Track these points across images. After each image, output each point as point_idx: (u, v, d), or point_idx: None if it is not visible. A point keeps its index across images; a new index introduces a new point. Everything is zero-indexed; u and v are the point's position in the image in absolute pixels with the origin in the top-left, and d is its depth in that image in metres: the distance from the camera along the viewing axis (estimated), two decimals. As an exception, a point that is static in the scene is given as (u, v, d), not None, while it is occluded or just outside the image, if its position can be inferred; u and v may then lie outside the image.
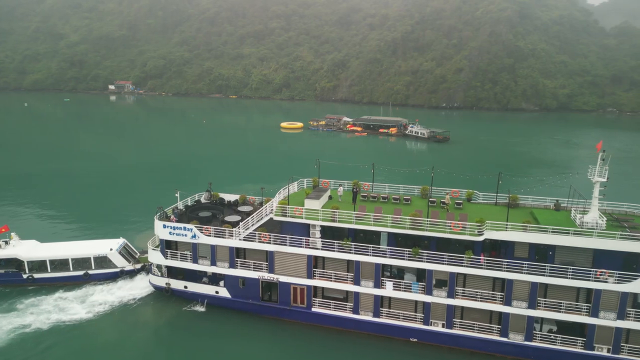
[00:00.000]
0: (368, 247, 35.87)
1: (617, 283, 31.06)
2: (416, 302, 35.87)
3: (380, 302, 36.48)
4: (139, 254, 48.78)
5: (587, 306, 32.07)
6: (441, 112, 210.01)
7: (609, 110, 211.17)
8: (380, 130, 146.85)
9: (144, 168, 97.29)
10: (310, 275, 37.39)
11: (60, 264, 45.06)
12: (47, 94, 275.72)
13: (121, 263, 45.80)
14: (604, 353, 32.03)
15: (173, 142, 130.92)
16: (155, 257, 41.65)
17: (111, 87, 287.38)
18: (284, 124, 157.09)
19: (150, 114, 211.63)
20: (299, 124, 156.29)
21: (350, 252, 36.22)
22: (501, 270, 32.99)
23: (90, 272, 45.00)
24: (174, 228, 39.81)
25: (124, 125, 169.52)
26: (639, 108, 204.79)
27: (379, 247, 36.03)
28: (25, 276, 44.58)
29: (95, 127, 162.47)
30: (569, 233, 31.98)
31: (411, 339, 36.09)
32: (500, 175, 39.93)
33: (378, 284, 36.05)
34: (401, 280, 36.09)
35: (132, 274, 46.06)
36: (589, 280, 31.50)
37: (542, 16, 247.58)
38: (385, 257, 35.56)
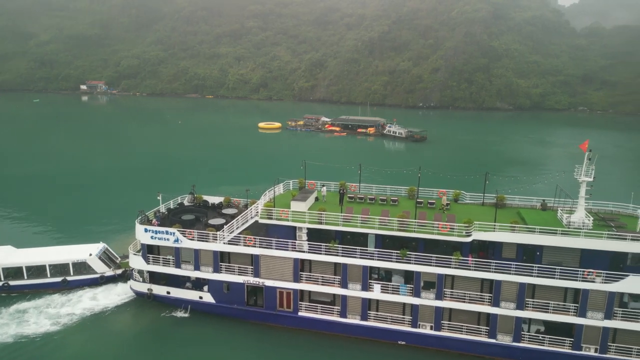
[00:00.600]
0: (355, 249, 35.38)
1: (605, 283, 31.17)
2: (404, 304, 35.55)
3: (368, 305, 36.06)
4: (120, 259, 47.39)
5: (574, 306, 32.18)
6: (418, 111, 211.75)
7: (580, 109, 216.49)
8: (359, 130, 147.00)
9: (123, 170, 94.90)
10: (296, 279, 36.88)
11: (37, 270, 43.47)
12: (15, 94, 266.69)
13: (101, 269, 44.51)
14: (592, 353, 32.18)
15: (150, 144, 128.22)
16: (136, 262, 40.59)
17: (83, 87, 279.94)
18: (261, 124, 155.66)
19: (125, 114, 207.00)
20: (277, 124, 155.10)
21: (337, 255, 35.69)
22: (489, 272, 32.88)
23: (69, 278, 43.60)
24: (156, 232, 38.84)
25: (97, 126, 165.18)
26: (609, 107, 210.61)
27: (367, 249, 35.58)
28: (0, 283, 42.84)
29: (67, 128, 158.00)
30: (556, 233, 32.02)
31: (399, 342, 35.80)
32: (487, 175, 39.89)
33: (366, 287, 35.63)
34: (389, 283, 35.71)
35: (112, 279, 44.81)
36: (576, 280, 31.58)
37: (516, 17, 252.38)
38: (372, 259, 35.13)
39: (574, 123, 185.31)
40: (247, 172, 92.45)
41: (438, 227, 33.93)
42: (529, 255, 33.46)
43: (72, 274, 43.82)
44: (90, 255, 44.47)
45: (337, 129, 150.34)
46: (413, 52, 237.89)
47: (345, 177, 50.27)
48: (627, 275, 30.77)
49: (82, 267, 43.99)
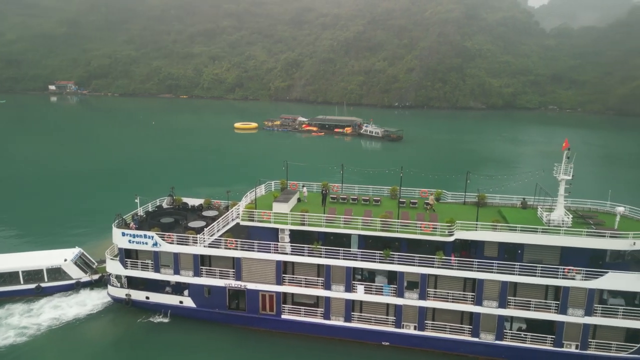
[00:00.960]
0: (339, 250, 35.12)
1: (584, 280, 31.65)
2: (388, 305, 35.49)
3: (351, 307, 35.88)
4: (96, 264, 45.94)
5: (555, 304, 32.59)
6: (394, 111, 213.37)
7: (550, 108, 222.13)
8: (336, 130, 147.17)
9: (98, 172, 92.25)
10: (279, 282, 36.44)
11: (9, 277, 41.83)
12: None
13: (77, 274, 43.14)
14: (572, 350, 32.70)
15: (125, 145, 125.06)
16: (113, 267, 39.46)
17: (52, 87, 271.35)
18: (237, 125, 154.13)
19: (96, 115, 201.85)
20: (254, 124, 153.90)
21: (320, 256, 35.36)
22: (472, 271, 33.09)
23: (43, 285, 42.10)
24: (134, 236, 37.89)
25: (68, 127, 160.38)
26: (578, 106, 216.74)
27: (350, 250, 35.37)
28: None
29: (36, 129, 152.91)
30: (537, 231, 32.37)
31: (383, 343, 35.75)
32: (468, 174, 40.20)
33: (349, 288, 35.43)
34: (372, 284, 35.58)
35: (89, 285, 43.49)
36: (557, 277, 31.97)
37: (487, 17, 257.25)
38: (356, 260, 34.92)
39: (544, 122, 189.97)
40: (223, 173, 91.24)
41: (421, 227, 33.93)
42: (510, 253, 33.78)
43: (46, 280, 42.35)
44: (65, 260, 43.07)
45: (315, 128, 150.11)
46: (388, 52, 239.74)
47: (326, 177, 50.08)
48: (606, 272, 31.29)
49: (56, 273, 42.56)
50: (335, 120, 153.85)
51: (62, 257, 43.51)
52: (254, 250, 36.16)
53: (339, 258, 35.08)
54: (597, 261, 32.67)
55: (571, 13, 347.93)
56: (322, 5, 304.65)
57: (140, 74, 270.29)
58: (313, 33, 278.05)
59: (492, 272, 32.76)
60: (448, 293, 34.26)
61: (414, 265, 33.86)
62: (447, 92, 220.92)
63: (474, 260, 33.26)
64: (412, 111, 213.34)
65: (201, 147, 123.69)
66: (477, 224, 33.44)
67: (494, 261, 32.89)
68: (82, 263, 44.58)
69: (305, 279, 36.39)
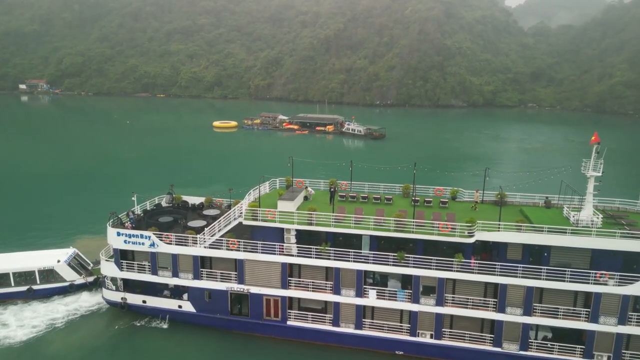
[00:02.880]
0: (349, 252, 32.58)
1: (618, 285, 29.29)
2: (402, 311, 33.11)
3: (362, 313, 33.46)
4: (92, 265, 43.79)
5: (586, 311, 30.20)
6: (375, 109, 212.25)
7: (529, 105, 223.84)
8: (317, 128, 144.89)
9: (94, 171, 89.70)
10: (284, 285, 34.27)
11: None
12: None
13: (71, 276, 41.27)
14: None
15: (103, 144, 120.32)
16: (108, 268, 37.33)
17: (22, 86, 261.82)
18: (216, 123, 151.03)
19: (70, 115, 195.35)
20: (233, 123, 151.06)
21: (329, 259, 32.94)
22: (494, 275, 30.58)
23: (35, 287, 40.29)
24: (130, 236, 35.79)
25: (42, 127, 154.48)
26: (557, 103, 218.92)
27: (361, 252, 32.80)
28: None
29: (10, 129, 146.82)
30: (566, 232, 29.93)
31: (397, 352, 33.38)
32: (486, 170, 37.65)
33: (360, 293, 33.00)
34: (385, 288, 33.04)
35: (83, 288, 41.60)
36: (588, 283, 29.57)
37: (467, 16, 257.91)
38: (367, 262, 32.39)
39: (524, 119, 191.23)
40: (199, 173, 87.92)
41: (438, 227, 31.44)
42: (535, 256, 31.28)
43: (38, 282, 40.57)
44: (59, 261, 41.18)
45: (296, 127, 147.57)
46: (369, 50, 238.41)
47: (329, 175, 47.37)
48: None
49: (49, 274, 40.84)
50: (316, 118, 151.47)
51: (55, 258, 41.58)
52: (257, 252, 34.14)
53: (349, 260, 32.76)
54: (632, 265, 30.06)
55: (547, 12, 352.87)
56: (302, 2, 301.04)
57: (115, 73, 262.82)
58: (293, 31, 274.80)
59: (516, 276, 30.28)
60: (468, 299, 31.84)
61: (430, 268, 31.43)
62: (428, 90, 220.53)
63: (497, 263, 30.77)
64: (394, 109, 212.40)
65: (178, 146, 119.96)
66: (499, 224, 30.89)
67: (519, 265, 30.43)
68: (76, 264, 42.71)
69: (313, 282, 34.19)
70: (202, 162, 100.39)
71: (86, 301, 39.92)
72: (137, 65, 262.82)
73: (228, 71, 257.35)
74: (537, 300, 30.92)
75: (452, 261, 31.24)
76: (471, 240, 30.90)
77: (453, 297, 32.02)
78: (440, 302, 31.82)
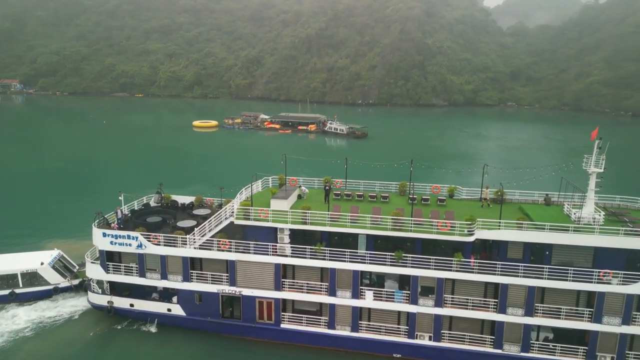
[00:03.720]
0: (344, 252, 31.45)
1: (622, 284, 28.49)
2: (399, 312, 32.09)
3: (359, 315, 32.34)
4: (77, 268, 42.06)
5: (589, 311, 29.45)
6: (357, 109, 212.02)
7: (509, 104, 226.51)
8: (299, 127, 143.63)
9: (74, 171, 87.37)
10: (278, 287, 33.03)
11: None
12: None
13: (55, 279, 39.69)
14: None
15: (89, 145, 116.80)
16: (94, 271, 35.72)
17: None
18: (196, 123, 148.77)
19: (44, 115, 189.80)
20: (213, 123, 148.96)
21: (324, 259, 31.81)
22: (495, 274, 29.69)
23: (17, 290, 38.80)
24: (116, 237, 34.42)
25: (14, 128, 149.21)
26: (535, 102, 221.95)
27: (357, 252, 31.73)
28: None
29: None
30: (568, 230, 29.14)
31: (395, 355, 32.32)
32: (485, 167, 36.79)
33: (356, 294, 31.87)
34: (382, 289, 31.92)
35: (68, 291, 40.07)
36: (591, 282, 28.81)
37: (447, 15, 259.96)
38: (364, 262, 31.30)
39: (504, 118, 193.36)
40: (181, 173, 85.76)
41: (437, 225, 30.49)
42: (536, 255, 30.45)
43: (21, 285, 39.01)
44: (42, 264, 39.58)
45: (277, 126, 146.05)
46: (350, 49, 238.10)
47: (323, 173, 46.05)
48: None
49: (32, 277, 39.27)
50: (298, 117, 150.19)
51: (39, 260, 40.04)
52: (249, 252, 32.88)
53: (344, 260, 31.69)
54: (635, 263, 29.27)
55: (525, 12, 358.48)
56: (283, 1, 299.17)
57: (91, 72, 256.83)
58: (274, 30, 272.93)
59: (517, 276, 29.44)
60: (467, 299, 30.88)
61: (429, 268, 30.43)
62: (410, 89, 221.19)
63: (497, 262, 29.88)
64: (376, 109, 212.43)
65: (157, 146, 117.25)
66: (500, 222, 30.07)
67: (520, 264, 29.63)
68: (61, 267, 41.14)
69: (307, 284, 33.05)
70: (184, 161, 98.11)
71: (71, 305, 38.47)
72: (115, 65, 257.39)
73: (208, 70, 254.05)
74: (538, 300, 30.12)
75: (452, 261, 30.30)
76: (471, 238, 30.10)
77: (452, 297, 31.15)
78: (439, 303, 30.92)
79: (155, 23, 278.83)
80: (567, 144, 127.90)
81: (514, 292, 29.77)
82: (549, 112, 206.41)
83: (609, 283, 28.72)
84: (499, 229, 30.12)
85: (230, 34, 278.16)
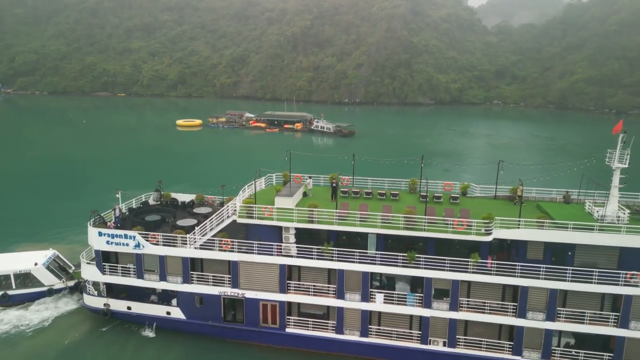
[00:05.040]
0: (353, 252, 29.74)
1: None
2: (412, 317, 30.42)
3: (368, 319, 30.71)
4: (74, 268, 40.66)
5: (615, 315, 27.90)
6: (344, 107, 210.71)
7: (494, 102, 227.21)
8: (285, 125, 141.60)
9: (77, 166, 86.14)
10: (283, 289, 31.62)
11: None
12: None
13: (49, 280, 38.16)
14: None
15: (73, 144, 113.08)
16: (89, 272, 34.34)
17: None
18: (180, 122, 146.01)
19: (22, 115, 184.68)
20: (197, 122, 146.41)
21: (331, 260, 30.18)
22: (514, 276, 28.01)
23: (10, 292, 37.40)
24: (113, 236, 32.99)
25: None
26: (521, 100, 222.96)
27: (367, 252, 30.07)
28: None
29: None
30: (593, 229, 27.51)
31: None
32: (500, 164, 35.02)
33: (366, 297, 30.27)
34: (393, 292, 30.20)
35: (63, 293, 38.42)
36: (617, 284, 27.22)
37: (432, 14, 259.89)
38: (374, 263, 29.61)
39: (491, 116, 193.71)
40: (168, 172, 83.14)
41: (452, 224, 28.79)
42: (558, 256, 28.92)
43: (14, 287, 37.60)
44: (36, 264, 38.09)
45: (263, 125, 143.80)
46: (336, 47, 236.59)
47: (324, 170, 44.24)
48: None
49: (26, 278, 37.86)
50: (284, 116, 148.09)
51: (32, 261, 38.52)
52: (253, 253, 31.47)
53: (353, 261, 30.11)
54: None
55: (509, 12, 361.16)
56: None
57: (71, 71, 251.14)
58: (259, 28, 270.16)
59: (538, 278, 27.80)
60: (484, 303, 29.23)
61: (443, 269, 28.75)
62: (396, 87, 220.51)
63: (517, 264, 28.20)
64: (363, 107, 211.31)
65: (139, 145, 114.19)
66: (520, 221, 28.40)
67: (541, 265, 27.97)
68: (56, 267, 39.64)
69: (314, 286, 31.53)
70: (172, 161, 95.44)
71: (66, 308, 37.05)
72: (96, 63, 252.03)
73: (192, 69, 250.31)
74: (560, 304, 28.56)
75: (468, 262, 28.60)
76: (489, 238, 28.45)
77: (468, 300, 29.58)
78: (454, 307, 29.34)
79: (137, 21, 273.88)
80: (554, 142, 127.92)
81: (534, 295, 28.17)
82: (534, 110, 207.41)
83: (637, 285, 27.14)
84: (519, 228, 28.46)
85: (214, 32, 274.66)
